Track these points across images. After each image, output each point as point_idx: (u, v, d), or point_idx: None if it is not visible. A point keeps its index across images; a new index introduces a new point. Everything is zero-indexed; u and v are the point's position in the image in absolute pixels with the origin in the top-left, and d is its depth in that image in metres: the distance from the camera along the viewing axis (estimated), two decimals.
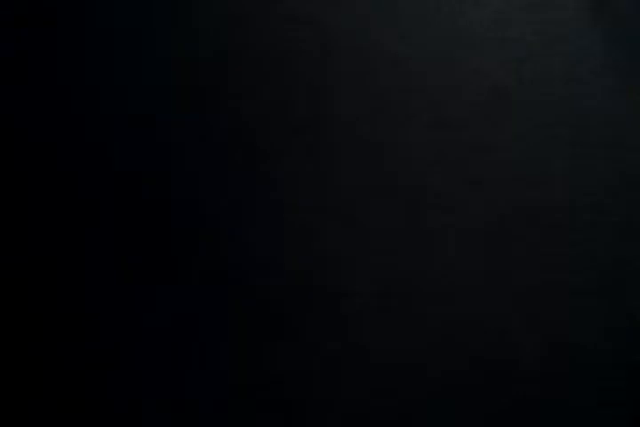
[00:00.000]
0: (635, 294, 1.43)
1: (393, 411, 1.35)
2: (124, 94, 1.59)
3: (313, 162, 1.54)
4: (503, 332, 1.40)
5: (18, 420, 1.33)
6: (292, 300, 1.42)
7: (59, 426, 1.33)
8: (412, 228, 1.48)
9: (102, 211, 1.49)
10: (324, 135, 1.56)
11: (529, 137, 1.56)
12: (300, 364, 1.38)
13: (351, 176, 1.52)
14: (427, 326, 1.41)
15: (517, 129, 1.57)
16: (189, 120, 1.57)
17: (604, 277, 1.45)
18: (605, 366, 1.38)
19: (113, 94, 1.59)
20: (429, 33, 1.65)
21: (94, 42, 1.64)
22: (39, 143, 1.54)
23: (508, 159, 1.54)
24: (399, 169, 1.53)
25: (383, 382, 1.37)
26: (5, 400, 1.34)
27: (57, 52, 1.62)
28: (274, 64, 1.62)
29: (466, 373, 1.37)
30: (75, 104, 1.58)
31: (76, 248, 1.46)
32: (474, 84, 1.61)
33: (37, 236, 1.47)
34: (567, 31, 1.66)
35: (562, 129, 1.57)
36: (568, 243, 1.47)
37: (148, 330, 1.39)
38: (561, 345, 1.39)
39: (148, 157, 1.53)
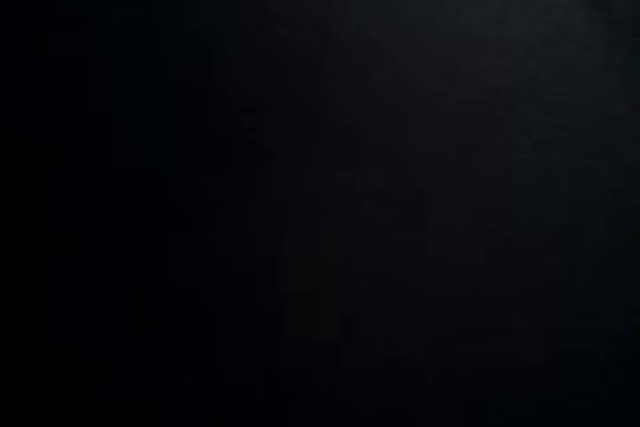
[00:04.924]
0: (635, 294, 1.44)
1: (392, 412, 1.35)
2: (123, 94, 1.59)
3: (313, 162, 1.53)
4: (503, 333, 1.40)
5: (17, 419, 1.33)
6: (291, 299, 1.42)
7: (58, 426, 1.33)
8: (411, 228, 1.48)
9: (102, 211, 1.49)
10: (324, 135, 1.56)
11: (529, 137, 1.56)
12: (297, 364, 1.38)
13: (350, 176, 1.52)
14: (427, 327, 1.41)
15: (517, 129, 1.57)
16: (189, 120, 1.57)
17: (603, 277, 1.45)
18: (605, 366, 1.38)
19: (111, 94, 1.59)
20: (429, 33, 1.65)
21: (92, 40, 1.64)
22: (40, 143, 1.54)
23: (508, 159, 1.54)
24: (399, 169, 1.53)
25: (382, 382, 1.37)
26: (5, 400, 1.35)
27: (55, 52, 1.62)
28: (273, 64, 1.62)
29: (466, 374, 1.37)
30: (73, 105, 1.58)
31: (74, 248, 1.46)
32: (474, 84, 1.60)
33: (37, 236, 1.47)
34: (567, 31, 1.65)
35: (562, 129, 1.57)
36: (568, 243, 1.47)
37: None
38: (561, 345, 1.39)
39: (146, 158, 1.53)
